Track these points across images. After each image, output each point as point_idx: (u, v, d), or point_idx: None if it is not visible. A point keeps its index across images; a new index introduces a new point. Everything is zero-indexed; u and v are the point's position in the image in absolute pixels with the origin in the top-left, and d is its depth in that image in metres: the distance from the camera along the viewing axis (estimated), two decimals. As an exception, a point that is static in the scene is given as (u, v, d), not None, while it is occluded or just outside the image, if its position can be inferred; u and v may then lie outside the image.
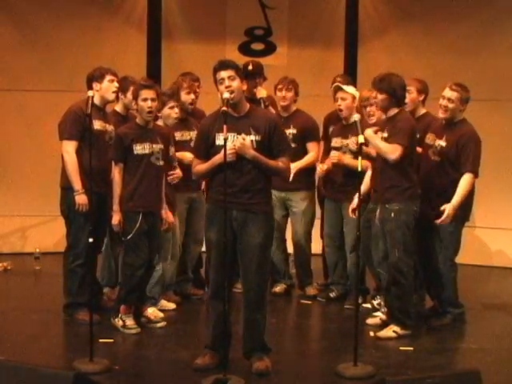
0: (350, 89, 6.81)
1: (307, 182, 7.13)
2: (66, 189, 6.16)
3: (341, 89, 6.78)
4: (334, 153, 6.78)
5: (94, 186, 5.88)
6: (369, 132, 5.99)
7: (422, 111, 6.60)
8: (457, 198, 6.08)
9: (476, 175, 6.15)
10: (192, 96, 6.83)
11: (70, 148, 6.11)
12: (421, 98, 6.57)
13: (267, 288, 5.43)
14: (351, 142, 6.65)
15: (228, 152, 5.01)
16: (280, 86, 7.13)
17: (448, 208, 6.02)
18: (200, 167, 5.28)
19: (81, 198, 6.03)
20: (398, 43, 8.90)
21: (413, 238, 6.23)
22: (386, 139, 5.99)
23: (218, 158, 5.13)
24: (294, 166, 6.89)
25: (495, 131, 7.80)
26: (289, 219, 7.29)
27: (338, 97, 6.79)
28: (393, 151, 5.89)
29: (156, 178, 6.04)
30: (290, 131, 7.06)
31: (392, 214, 5.96)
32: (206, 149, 5.25)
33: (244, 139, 5.12)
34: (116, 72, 6.31)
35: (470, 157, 6.12)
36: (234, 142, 5.09)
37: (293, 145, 7.01)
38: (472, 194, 6.30)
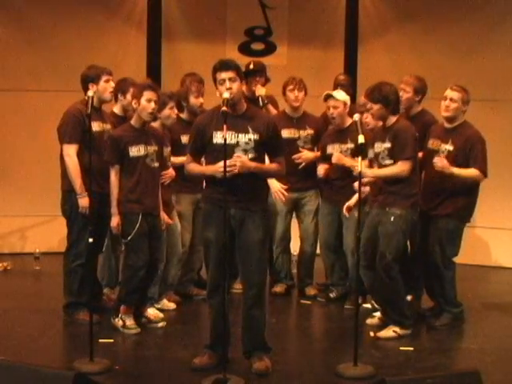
0: (340, 95, 6.80)
1: (316, 182, 7.14)
2: (69, 191, 6.17)
3: (332, 97, 6.77)
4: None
5: (95, 186, 5.91)
6: (370, 172, 6.01)
7: (418, 109, 6.62)
8: (456, 171, 6.10)
9: (485, 175, 6.21)
10: (201, 100, 6.81)
11: (71, 151, 6.11)
12: (417, 99, 6.60)
13: (266, 285, 5.44)
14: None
15: (228, 169, 5.01)
16: (291, 87, 7.06)
17: (449, 165, 6.08)
18: (194, 167, 5.33)
19: (84, 201, 6.03)
20: (398, 43, 8.90)
21: (414, 237, 6.28)
22: (389, 149, 5.99)
23: (212, 170, 5.16)
24: (310, 156, 6.99)
25: (495, 131, 7.80)
26: (292, 220, 7.30)
27: (329, 105, 6.79)
28: (403, 169, 5.93)
29: (152, 180, 6.04)
30: (308, 132, 7.09)
31: (392, 218, 5.96)
32: (201, 146, 5.26)
33: (240, 156, 5.13)
34: (111, 71, 6.31)
35: (479, 158, 6.18)
36: (231, 161, 5.07)
37: (309, 145, 7.11)
38: (476, 195, 6.32)
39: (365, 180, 6.06)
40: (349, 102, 6.82)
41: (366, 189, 6.24)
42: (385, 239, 5.99)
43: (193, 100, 6.78)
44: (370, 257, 6.06)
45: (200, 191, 6.68)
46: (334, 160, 6.71)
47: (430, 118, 6.59)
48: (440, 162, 6.11)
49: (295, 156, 6.97)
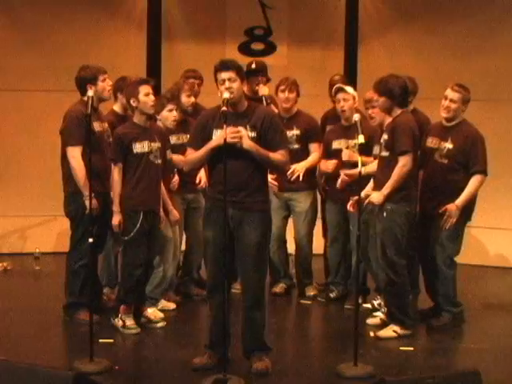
0: (350, 89, 6.82)
1: (309, 182, 7.13)
2: (74, 193, 6.15)
3: (342, 90, 6.79)
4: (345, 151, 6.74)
5: (100, 186, 5.91)
6: (377, 197, 5.97)
7: (409, 109, 6.58)
8: (462, 198, 6.15)
9: (486, 174, 6.23)
10: (192, 99, 6.82)
11: (76, 153, 6.10)
12: (409, 99, 6.58)
13: (265, 286, 5.44)
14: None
15: (232, 135, 5.02)
16: (282, 88, 7.07)
17: (451, 208, 6.09)
18: (193, 155, 5.24)
19: (92, 203, 6.00)
20: (398, 43, 8.90)
21: (414, 235, 6.28)
22: (386, 141, 6.01)
23: (213, 141, 5.12)
24: (302, 166, 6.94)
25: (495, 131, 7.80)
26: (289, 219, 7.29)
27: (339, 98, 6.79)
28: (405, 164, 5.91)
29: (155, 177, 6.05)
30: (294, 132, 7.06)
31: (384, 214, 5.98)
32: (202, 142, 5.22)
33: (240, 131, 5.09)
34: (105, 69, 6.30)
35: (479, 157, 6.20)
36: (234, 130, 5.05)
37: (296, 146, 7.04)
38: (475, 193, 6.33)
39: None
40: (357, 98, 6.81)
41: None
42: (383, 236, 6.00)
43: (184, 98, 6.77)
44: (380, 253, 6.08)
45: (191, 192, 6.72)
46: (344, 157, 6.70)
47: (422, 118, 6.62)
48: (450, 220, 6.14)
49: (289, 173, 6.87)
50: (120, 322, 6.05)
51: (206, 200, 5.42)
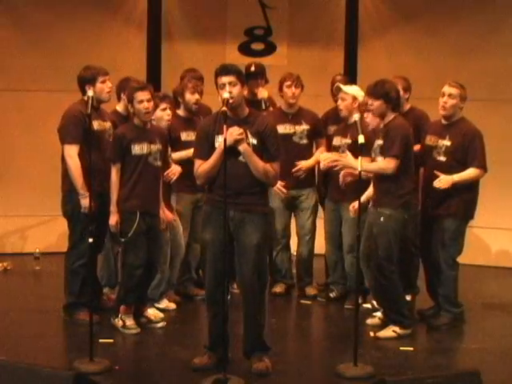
0: (351, 89, 6.81)
1: (313, 179, 7.15)
2: (70, 192, 6.16)
3: (340, 89, 6.80)
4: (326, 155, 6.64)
5: (97, 185, 5.91)
6: (365, 164, 5.96)
7: (407, 107, 6.71)
8: (458, 178, 6.13)
9: (485, 170, 6.24)
10: (196, 96, 6.82)
11: (72, 152, 6.10)
12: (406, 96, 6.70)
13: (266, 288, 5.43)
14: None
15: (236, 133, 5.05)
16: (289, 83, 7.06)
17: (446, 176, 6.10)
18: (204, 166, 5.20)
19: (86, 201, 5.98)
20: (398, 43, 8.90)
21: (415, 235, 6.31)
22: (381, 146, 6.02)
23: (219, 146, 5.11)
24: (308, 165, 7.02)
25: (494, 131, 7.78)
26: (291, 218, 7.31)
27: (339, 96, 6.81)
28: (388, 166, 5.92)
29: (153, 179, 6.04)
30: (303, 127, 7.08)
31: (381, 218, 5.97)
32: (208, 150, 5.21)
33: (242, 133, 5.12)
34: (107, 70, 6.29)
35: (477, 153, 6.21)
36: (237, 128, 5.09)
37: (305, 141, 7.08)
38: (477, 191, 6.34)
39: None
40: (360, 98, 6.78)
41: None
42: (376, 239, 5.99)
43: (188, 96, 6.78)
44: (370, 256, 6.06)
45: (200, 191, 6.71)
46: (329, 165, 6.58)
47: (419, 113, 6.71)
48: (439, 183, 6.13)
49: (294, 170, 6.96)
50: (120, 322, 6.05)
51: (206, 203, 5.40)
